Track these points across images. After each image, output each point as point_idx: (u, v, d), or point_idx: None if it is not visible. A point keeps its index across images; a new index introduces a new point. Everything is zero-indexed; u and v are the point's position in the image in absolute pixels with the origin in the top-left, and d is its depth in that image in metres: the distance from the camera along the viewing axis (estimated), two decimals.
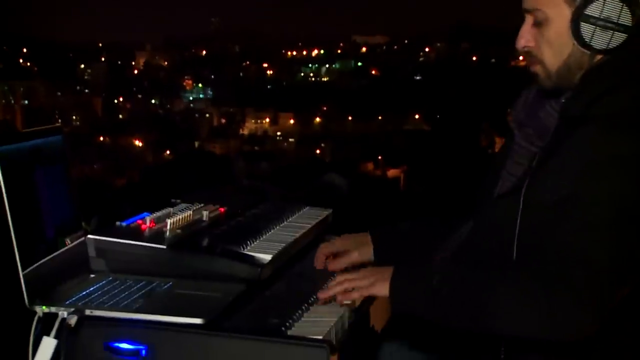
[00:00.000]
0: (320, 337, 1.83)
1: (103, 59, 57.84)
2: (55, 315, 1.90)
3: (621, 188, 1.81)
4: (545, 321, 1.77)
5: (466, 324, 1.87)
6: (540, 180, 1.92)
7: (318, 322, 1.94)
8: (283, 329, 1.88)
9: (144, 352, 1.83)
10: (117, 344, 1.84)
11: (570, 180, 1.84)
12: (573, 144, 1.88)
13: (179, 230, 2.29)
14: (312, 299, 2.08)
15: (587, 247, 1.78)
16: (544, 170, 1.92)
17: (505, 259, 1.96)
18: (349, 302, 2.04)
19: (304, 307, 2.02)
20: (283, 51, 60.82)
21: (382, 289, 1.97)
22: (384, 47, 58.79)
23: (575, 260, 1.77)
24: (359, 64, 56.94)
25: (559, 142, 1.93)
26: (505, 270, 1.88)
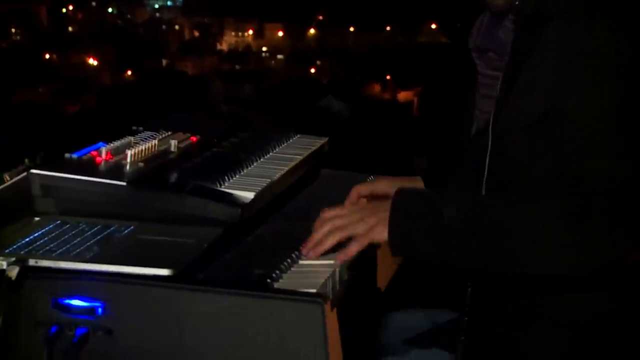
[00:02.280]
0: (314, 291, 1.85)
1: None
2: None
3: (609, 84, 1.84)
4: (580, 254, 1.82)
5: (481, 266, 1.91)
6: (509, 105, 1.96)
7: (311, 273, 1.95)
8: (269, 281, 1.89)
9: (100, 310, 1.84)
10: (67, 301, 1.85)
11: (547, 93, 1.88)
12: (538, 50, 1.90)
13: (141, 164, 2.29)
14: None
15: (601, 162, 1.82)
16: (512, 93, 1.95)
17: None
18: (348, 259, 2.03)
19: (294, 255, 2.03)
20: None
21: (383, 234, 1.97)
22: None
23: (592, 180, 1.82)
24: None
25: (521, 55, 1.95)
26: (525, 200, 1.91)
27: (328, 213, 2.08)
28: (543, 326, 1.99)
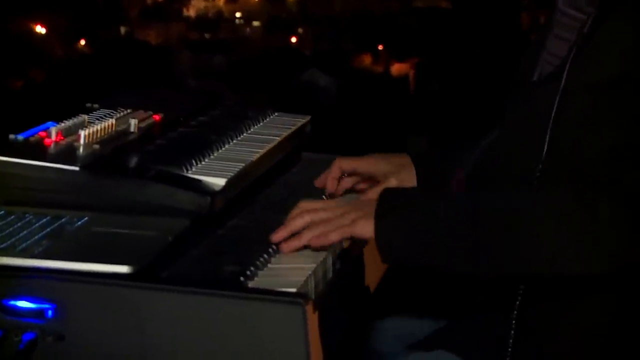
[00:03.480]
0: (294, 290, 1.86)
1: None
2: None
3: None
4: (591, 252, 1.83)
5: (485, 269, 1.92)
6: (587, 57, 1.96)
7: (291, 270, 1.96)
8: (242, 279, 1.90)
9: (50, 312, 1.84)
10: (13, 302, 1.85)
11: (624, 57, 1.89)
12: (630, 9, 1.91)
13: (96, 146, 2.29)
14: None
15: None
16: (594, 45, 1.95)
17: (535, 164, 2.00)
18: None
19: (271, 251, 2.04)
20: None
21: (367, 228, 1.98)
22: None
23: (626, 164, 1.83)
24: None
25: (613, 5, 1.95)
26: (530, 188, 1.94)
27: (306, 204, 2.09)
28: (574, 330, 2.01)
